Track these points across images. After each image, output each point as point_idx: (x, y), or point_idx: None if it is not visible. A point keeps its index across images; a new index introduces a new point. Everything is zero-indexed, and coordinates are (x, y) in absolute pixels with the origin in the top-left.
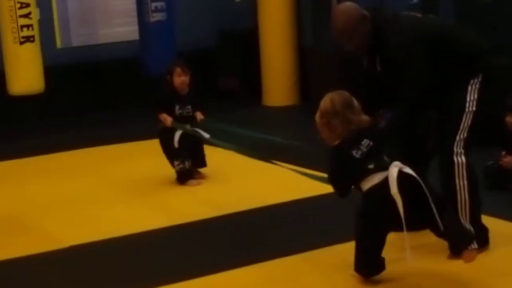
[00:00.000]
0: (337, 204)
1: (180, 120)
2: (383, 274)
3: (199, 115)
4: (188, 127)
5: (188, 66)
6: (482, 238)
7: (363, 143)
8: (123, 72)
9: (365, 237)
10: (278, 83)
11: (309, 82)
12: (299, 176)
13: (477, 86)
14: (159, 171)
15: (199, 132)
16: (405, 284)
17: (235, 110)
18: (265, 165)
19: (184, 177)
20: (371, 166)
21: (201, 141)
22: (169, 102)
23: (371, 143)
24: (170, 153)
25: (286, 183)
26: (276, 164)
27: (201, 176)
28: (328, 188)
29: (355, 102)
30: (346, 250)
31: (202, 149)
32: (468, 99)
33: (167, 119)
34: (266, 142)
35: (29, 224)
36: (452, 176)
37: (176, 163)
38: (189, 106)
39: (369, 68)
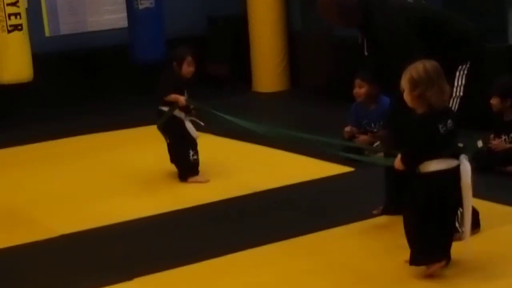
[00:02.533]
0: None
1: (185, 107)
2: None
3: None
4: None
5: (196, 55)
6: (473, 221)
7: (448, 122)
8: (112, 60)
9: (431, 222)
10: (267, 69)
11: (298, 67)
12: (290, 160)
13: (465, 72)
14: (154, 159)
15: (197, 120)
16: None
17: (224, 96)
18: (256, 151)
19: (195, 170)
20: (447, 149)
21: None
22: (177, 88)
23: (453, 125)
24: (184, 143)
25: (283, 168)
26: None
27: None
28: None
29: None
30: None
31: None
32: (455, 84)
33: (179, 98)
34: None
35: (20, 214)
36: None
37: (191, 152)
38: (191, 92)
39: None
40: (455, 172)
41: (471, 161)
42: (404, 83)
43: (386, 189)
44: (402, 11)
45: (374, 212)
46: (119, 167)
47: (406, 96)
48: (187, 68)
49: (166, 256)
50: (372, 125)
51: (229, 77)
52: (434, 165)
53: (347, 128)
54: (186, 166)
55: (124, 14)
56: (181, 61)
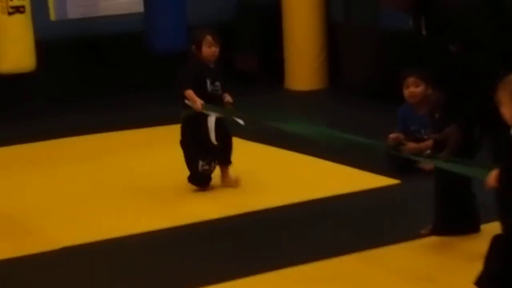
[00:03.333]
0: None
1: (210, 100)
2: None
3: (227, 98)
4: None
5: (218, 36)
6: None
7: None
8: (126, 49)
9: None
10: (302, 64)
11: (338, 63)
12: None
13: None
14: (169, 164)
15: (235, 119)
16: None
17: (253, 94)
18: (291, 159)
19: (203, 181)
20: None
21: (229, 133)
22: (198, 76)
23: None
24: (195, 149)
25: (321, 179)
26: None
27: (230, 183)
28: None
29: None
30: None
31: (231, 142)
32: None
33: (196, 101)
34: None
35: (20, 222)
36: None
37: (201, 163)
38: (218, 83)
39: (414, 31)
40: None
41: None
42: (503, 96)
43: (436, 206)
44: None
45: (422, 231)
46: (129, 172)
47: (506, 111)
48: (208, 50)
49: (178, 274)
50: (422, 131)
51: (259, 72)
52: None
53: (393, 135)
54: (193, 174)
55: None
56: (199, 42)
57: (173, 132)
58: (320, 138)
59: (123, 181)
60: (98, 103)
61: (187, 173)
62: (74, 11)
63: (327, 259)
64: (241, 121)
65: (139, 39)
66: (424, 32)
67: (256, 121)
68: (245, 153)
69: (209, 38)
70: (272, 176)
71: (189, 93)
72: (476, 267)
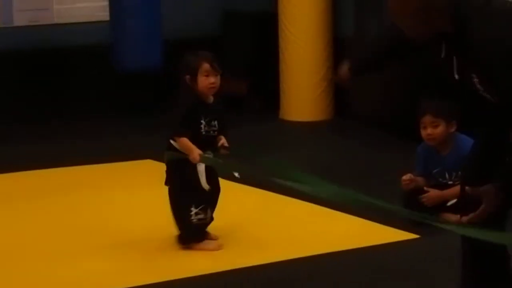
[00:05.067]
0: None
1: (202, 143)
2: None
3: (222, 141)
4: (212, 157)
5: (218, 63)
6: None
7: None
8: (87, 65)
9: None
10: (302, 89)
11: (347, 88)
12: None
13: None
14: (142, 209)
15: (232, 169)
16: None
17: (241, 124)
18: (291, 207)
19: (198, 235)
20: None
21: (218, 181)
22: (191, 115)
23: None
24: (186, 195)
25: (329, 231)
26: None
27: (212, 236)
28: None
29: None
30: None
31: (218, 192)
32: None
33: (193, 151)
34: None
35: None
36: None
37: (194, 210)
38: (216, 122)
39: (445, 72)
40: None
41: None
42: None
43: (463, 270)
44: None
45: None
46: (100, 218)
47: None
48: (205, 81)
49: None
50: (447, 175)
51: (248, 97)
52: None
53: (406, 176)
54: (185, 227)
55: (105, 3)
56: (194, 71)
57: (144, 168)
58: (333, 198)
59: (89, 227)
60: (48, 130)
61: (166, 221)
62: (22, 17)
63: None
64: (236, 174)
65: (103, 54)
66: (457, 76)
67: (256, 176)
68: (236, 198)
69: (206, 66)
70: (269, 227)
71: (185, 142)
72: None
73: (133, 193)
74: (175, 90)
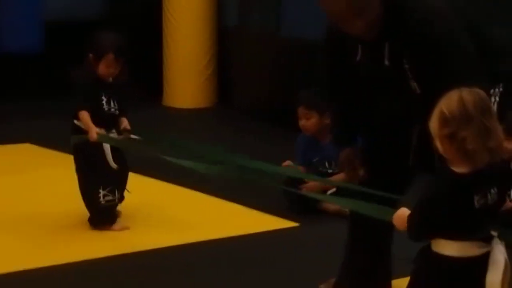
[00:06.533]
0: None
1: (106, 120)
2: None
3: (124, 122)
4: (114, 136)
5: (124, 51)
6: None
7: (492, 191)
8: None
9: None
10: (186, 77)
11: (229, 77)
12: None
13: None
14: (55, 191)
15: (134, 140)
16: None
17: None
18: (184, 196)
19: (107, 217)
20: (478, 231)
21: (126, 161)
22: (92, 91)
23: (497, 197)
24: (93, 178)
25: (215, 219)
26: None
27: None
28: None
29: (492, 106)
30: None
31: (127, 173)
32: None
33: (91, 129)
34: None
35: None
36: None
37: (102, 192)
38: (117, 101)
39: (365, 63)
40: (481, 262)
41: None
42: (433, 121)
43: (345, 255)
44: (447, 10)
45: (321, 286)
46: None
47: (436, 141)
48: (105, 69)
49: None
50: (327, 164)
51: (130, 84)
52: (450, 248)
53: (286, 163)
54: (94, 209)
55: None
56: (99, 56)
57: (23, 152)
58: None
59: None
60: None
61: (73, 203)
62: None
63: None
64: (136, 137)
65: None
66: (387, 63)
67: (154, 155)
68: (134, 187)
69: (111, 57)
70: (163, 215)
71: (84, 116)
72: None
73: (14, 176)
74: (57, 73)
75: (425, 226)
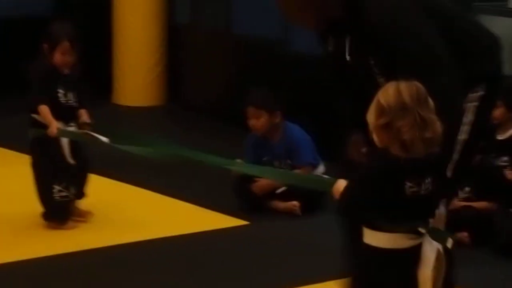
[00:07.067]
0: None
1: (64, 112)
2: None
3: (84, 115)
4: (74, 130)
5: (76, 41)
6: None
7: (426, 181)
8: None
9: None
10: (135, 74)
11: (179, 75)
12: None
13: (477, 102)
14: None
15: (96, 137)
16: None
17: None
18: (133, 194)
19: (61, 213)
20: (409, 220)
21: (87, 158)
22: (48, 83)
23: (431, 187)
24: (48, 171)
25: (164, 217)
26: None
27: (82, 215)
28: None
29: (430, 98)
30: None
31: (88, 169)
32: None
33: (51, 123)
34: None
35: None
36: None
37: (57, 188)
38: (74, 94)
39: (336, 56)
40: (412, 254)
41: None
42: (370, 113)
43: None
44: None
45: None
46: None
47: (372, 132)
48: (61, 57)
49: None
50: (277, 163)
51: (79, 81)
52: (380, 239)
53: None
54: (48, 204)
55: None
56: (53, 44)
57: None
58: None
59: None
60: None
61: (27, 200)
62: None
63: None
64: (104, 138)
65: None
66: (348, 57)
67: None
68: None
69: (66, 44)
70: (117, 213)
71: (44, 110)
72: None
73: None
74: (7, 70)
75: (352, 204)
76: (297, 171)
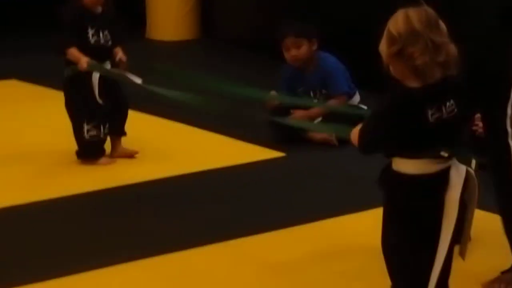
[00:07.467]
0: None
1: (95, 53)
2: None
3: (119, 53)
4: (108, 68)
5: None
6: None
7: (448, 104)
8: None
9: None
10: (169, 8)
11: (212, 9)
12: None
13: None
14: (46, 127)
15: (128, 77)
16: None
17: None
18: (175, 130)
19: (93, 152)
20: (435, 146)
21: (124, 97)
22: (77, 24)
23: (456, 109)
24: (79, 111)
25: (201, 151)
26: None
27: (128, 153)
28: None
29: (441, 22)
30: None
31: (126, 108)
32: None
33: (80, 59)
34: None
35: None
36: None
37: (87, 127)
38: (107, 32)
39: None
40: (440, 178)
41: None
42: (381, 43)
43: None
44: None
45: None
46: None
47: (385, 62)
48: None
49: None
50: (312, 93)
51: (115, 18)
52: (408, 166)
53: (272, 92)
54: (80, 142)
55: None
56: None
57: (10, 88)
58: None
59: None
60: None
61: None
62: None
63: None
64: (137, 79)
65: None
66: None
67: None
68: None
69: None
70: (153, 148)
71: (72, 51)
72: None
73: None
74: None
75: (373, 139)
76: (332, 100)
